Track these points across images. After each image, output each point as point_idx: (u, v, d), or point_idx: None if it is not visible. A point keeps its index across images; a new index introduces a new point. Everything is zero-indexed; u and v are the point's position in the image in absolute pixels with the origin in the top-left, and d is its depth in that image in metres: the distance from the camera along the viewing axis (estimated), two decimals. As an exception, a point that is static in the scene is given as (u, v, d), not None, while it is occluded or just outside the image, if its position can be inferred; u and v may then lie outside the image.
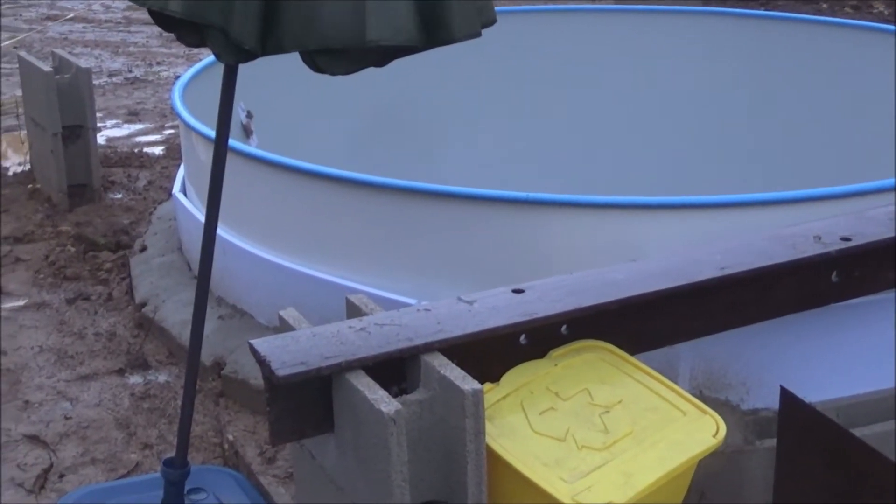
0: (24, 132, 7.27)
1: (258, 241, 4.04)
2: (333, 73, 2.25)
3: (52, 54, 6.22)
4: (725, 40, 6.20)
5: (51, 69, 5.75)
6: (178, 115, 4.69)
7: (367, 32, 2.12)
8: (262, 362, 2.37)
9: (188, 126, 4.50)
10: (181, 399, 3.80)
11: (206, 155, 4.44)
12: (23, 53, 6.34)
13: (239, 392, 3.86)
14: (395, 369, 2.45)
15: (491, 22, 2.37)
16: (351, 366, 2.35)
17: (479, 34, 2.32)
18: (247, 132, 5.48)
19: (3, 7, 13.59)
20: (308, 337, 2.47)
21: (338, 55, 2.20)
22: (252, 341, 2.43)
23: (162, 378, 4.09)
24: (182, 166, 5.12)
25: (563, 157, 6.12)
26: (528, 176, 5.57)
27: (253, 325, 4.14)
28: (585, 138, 6.21)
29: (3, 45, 10.67)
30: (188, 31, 2.22)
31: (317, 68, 2.26)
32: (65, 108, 5.70)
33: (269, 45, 2.16)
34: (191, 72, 5.29)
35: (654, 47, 6.27)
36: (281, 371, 2.30)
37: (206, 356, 3.90)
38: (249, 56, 2.19)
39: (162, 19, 2.26)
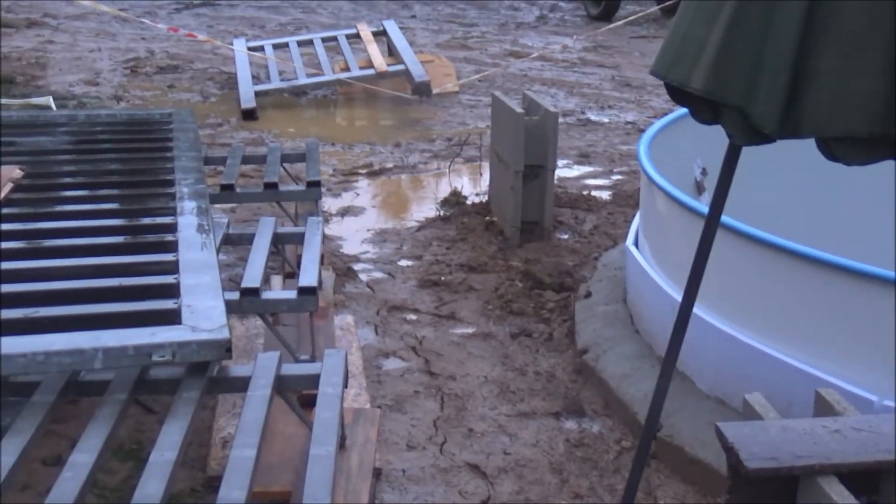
0: (483, 164, 7.82)
1: (710, 307, 4.00)
2: (849, 163, 2.17)
3: (524, 96, 6.61)
4: None
5: (522, 110, 6.10)
6: (642, 169, 4.78)
7: (903, 122, 2.01)
8: (729, 449, 2.33)
9: (651, 181, 4.57)
10: (616, 455, 3.86)
11: (666, 212, 4.48)
12: (497, 93, 6.80)
13: (672, 457, 3.85)
14: (868, 479, 2.31)
15: None
16: (824, 470, 2.25)
17: None
18: (699, 189, 5.45)
19: (470, 41, 14.72)
20: (778, 430, 2.40)
21: (859, 143, 2.11)
22: (720, 425, 2.40)
23: (596, 428, 4.18)
24: (636, 218, 5.20)
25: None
26: None
27: (693, 391, 4.10)
28: None
29: (469, 78, 11.53)
30: (703, 107, 2.24)
31: (831, 155, 2.18)
32: (529, 147, 6.02)
33: (785, 128, 2.12)
34: (657, 126, 5.37)
35: None
36: (750, 463, 2.25)
37: (644, 415, 3.92)
38: (764, 139, 2.17)
39: (676, 92, 2.30)
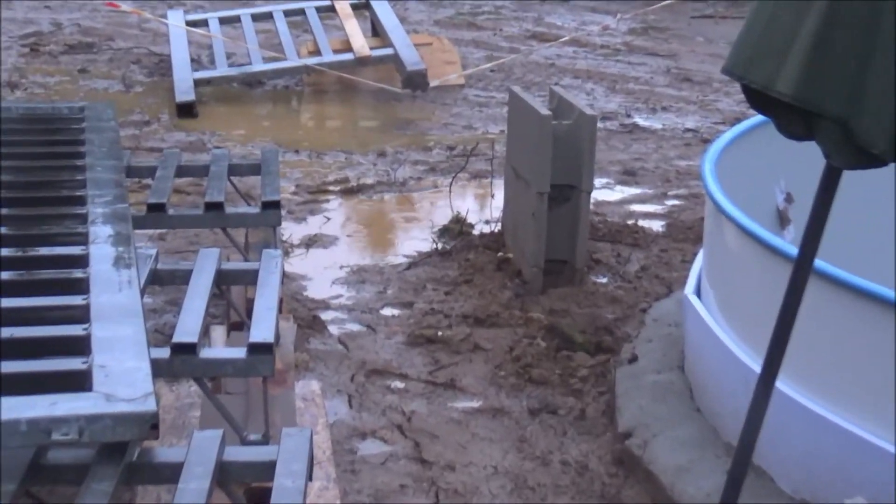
0: (496, 181, 7.84)
1: (798, 379, 3.99)
2: None
3: (551, 92, 6.64)
4: None
5: (548, 112, 6.12)
6: (707, 193, 4.79)
7: None
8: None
9: (719, 209, 4.58)
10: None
11: (739, 250, 4.49)
12: (516, 89, 6.84)
13: (744, 582, 3.82)
14: None
15: None
16: None
17: None
18: (782, 220, 5.47)
19: (481, 18, 14.81)
20: (889, 549, 2.39)
21: None
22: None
23: (642, 539, 4.17)
24: (699, 258, 5.21)
25: None
26: None
27: (772, 491, 4.10)
28: None
29: (479, 67, 11.59)
30: (793, 118, 2.25)
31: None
32: (558, 161, 6.04)
33: (897, 146, 2.13)
34: (727, 136, 5.39)
35: None
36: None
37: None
38: (873, 161, 2.18)
39: (756, 97, 2.31)
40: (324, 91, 11.02)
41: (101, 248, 4.03)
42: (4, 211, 4.48)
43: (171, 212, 5.22)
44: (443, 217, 7.46)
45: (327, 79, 10.87)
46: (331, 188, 8.18)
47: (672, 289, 6.19)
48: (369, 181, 8.36)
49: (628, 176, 8.63)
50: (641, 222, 7.45)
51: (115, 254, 3.98)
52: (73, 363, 3.16)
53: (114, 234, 4.17)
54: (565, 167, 6.09)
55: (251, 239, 5.74)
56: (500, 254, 6.65)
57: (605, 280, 6.44)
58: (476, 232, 7.10)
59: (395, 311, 6.11)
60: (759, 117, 5.02)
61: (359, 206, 7.98)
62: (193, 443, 3.10)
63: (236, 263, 4.74)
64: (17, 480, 2.95)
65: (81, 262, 3.91)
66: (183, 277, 4.26)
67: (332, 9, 11.80)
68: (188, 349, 3.61)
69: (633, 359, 5.25)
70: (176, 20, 11.44)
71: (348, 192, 8.15)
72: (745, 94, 2.34)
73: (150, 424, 2.88)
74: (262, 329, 3.72)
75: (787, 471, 4.10)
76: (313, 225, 7.44)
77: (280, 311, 4.42)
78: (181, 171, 5.79)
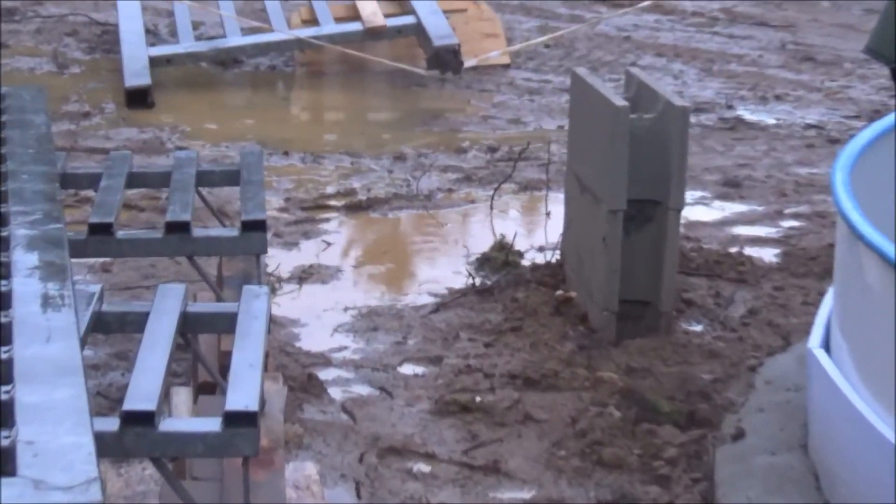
0: (553, 195, 7.83)
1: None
2: None
3: (627, 76, 6.64)
4: None
5: (625, 103, 6.11)
6: (839, 212, 4.77)
7: None
8: None
9: (856, 234, 4.56)
10: None
11: (883, 290, 4.47)
12: (580, 71, 6.84)
13: None
14: None
15: None
16: None
17: None
18: (940, 249, 5.46)
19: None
20: None
21: None
22: None
23: None
24: (828, 300, 5.19)
25: None
26: None
27: None
28: None
29: (529, 42, 11.61)
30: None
31: None
32: (637, 168, 6.02)
33: None
34: (864, 136, 5.37)
35: None
36: None
37: None
38: None
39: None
40: (322, 73, 11.07)
41: (26, 283, 4.04)
42: None
43: (119, 234, 5.23)
44: (482, 242, 7.48)
45: (327, 57, 10.92)
46: (331, 203, 8.21)
47: (790, 340, 6.17)
48: (382, 194, 8.39)
49: (730, 188, 8.62)
50: (748, 250, 7.44)
51: (46, 291, 3.98)
52: (-8, 438, 3.17)
53: (44, 265, 4.18)
54: (647, 176, 6.08)
55: (227, 271, 5.75)
56: (558, 292, 6.64)
57: (699, 328, 6.43)
58: (526, 262, 7.11)
59: (419, 370, 6.11)
60: (909, 112, 5.02)
61: (369, 228, 8.00)
62: (151, 546, 3.11)
63: (207, 304, 4.73)
64: None
65: (1, 302, 3.92)
66: (136, 323, 4.27)
67: (333, -36, 11.87)
68: (143, 419, 3.61)
69: (739, 435, 5.23)
70: (126, -21, 11.52)
71: (355, 208, 8.17)
72: (895, 80, 2.34)
73: (94, 520, 2.89)
74: (242, 393, 3.72)
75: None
76: (309, 252, 7.47)
77: (266, 368, 4.43)
78: (133, 181, 5.80)
